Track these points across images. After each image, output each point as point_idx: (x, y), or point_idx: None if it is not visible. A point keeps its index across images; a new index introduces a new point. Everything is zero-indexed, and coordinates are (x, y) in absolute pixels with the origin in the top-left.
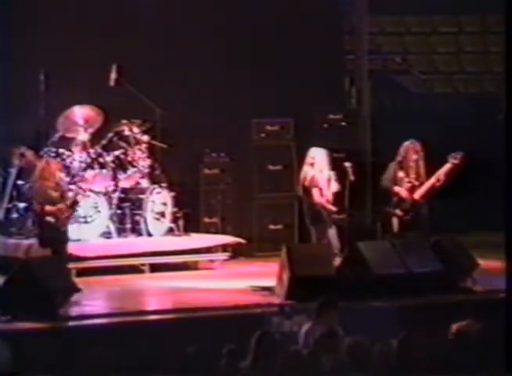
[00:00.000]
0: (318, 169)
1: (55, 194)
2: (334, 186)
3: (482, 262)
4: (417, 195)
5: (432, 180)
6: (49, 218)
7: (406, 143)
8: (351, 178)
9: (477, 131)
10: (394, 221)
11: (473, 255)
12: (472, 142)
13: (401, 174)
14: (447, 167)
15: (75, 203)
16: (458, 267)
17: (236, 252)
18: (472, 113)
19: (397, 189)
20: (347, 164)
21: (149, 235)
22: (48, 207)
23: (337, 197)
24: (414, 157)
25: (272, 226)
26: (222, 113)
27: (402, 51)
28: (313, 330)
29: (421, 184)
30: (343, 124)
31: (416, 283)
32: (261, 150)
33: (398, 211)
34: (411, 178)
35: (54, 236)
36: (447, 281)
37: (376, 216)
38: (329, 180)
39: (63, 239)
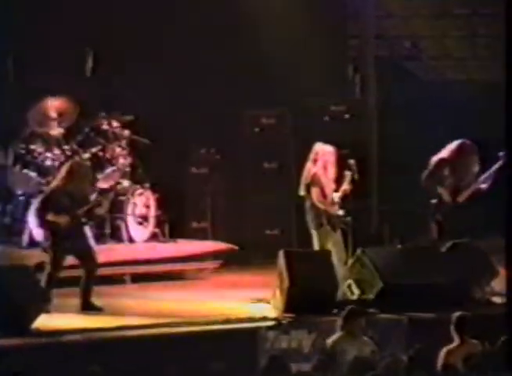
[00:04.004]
0: (321, 166)
1: (67, 202)
2: (342, 186)
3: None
4: (461, 198)
5: (480, 182)
6: (52, 226)
7: (460, 142)
8: (356, 176)
9: (494, 123)
10: (433, 227)
11: (492, 262)
12: (490, 136)
13: (446, 172)
14: (497, 166)
15: (89, 213)
16: (476, 275)
17: (227, 260)
18: (488, 102)
19: (440, 190)
20: (351, 162)
21: (131, 241)
22: (50, 216)
23: (343, 199)
24: (467, 157)
25: (267, 231)
26: (211, 105)
27: (410, 35)
28: (341, 343)
29: (467, 186)
30: (346, 116)
31: (429, 294)
32: (254, 146)
33: (438, 216)
34: (456, 178)
35: (55, 245)
36: (463, 291)
37: (383, 218)
38: (334, 179)
39: (63, 249)
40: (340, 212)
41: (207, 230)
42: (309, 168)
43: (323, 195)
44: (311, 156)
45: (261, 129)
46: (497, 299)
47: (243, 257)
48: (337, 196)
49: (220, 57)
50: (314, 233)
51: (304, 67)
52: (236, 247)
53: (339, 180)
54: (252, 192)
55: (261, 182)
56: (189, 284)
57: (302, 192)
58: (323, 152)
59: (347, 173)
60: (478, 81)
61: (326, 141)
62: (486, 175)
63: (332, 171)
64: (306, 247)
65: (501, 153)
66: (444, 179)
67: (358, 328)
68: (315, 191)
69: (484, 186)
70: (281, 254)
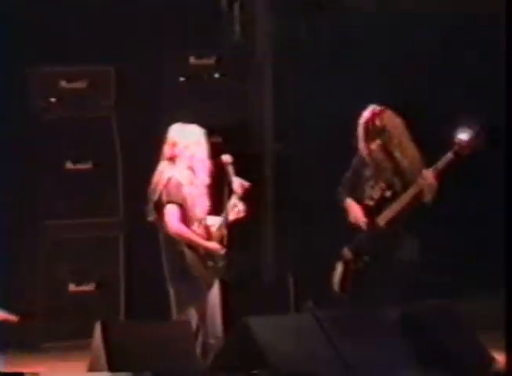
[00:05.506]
0: (185, 167)
1: None
2: (228, 203)
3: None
4: (383, 219)
5: (414, 189)
6: None
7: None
8: (234, 183)
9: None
10: (338, 268)
11: (482, 343)
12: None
13: (366, 171)
14: (445, 161)
15: None
16: (453, 364)
17: (2, 339)
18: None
19: (349, 203)
20: (226, 158)
21: None
22: None
23: (228, 226)
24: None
25: (73, 287)
26: None
27: None
28: None
29: (395, 195)
30: (216, 75)
31: None
32: (49, 132)
33: (346, 252)
34: (376, 185)
35: None
36: None
37: (290, 262)
38: (207, 190)
39: None
40: (221, 250)
41: None
42: (161, 172)
43: (189, 218)
44: (166, 149)
45: (58, 100)
46: None
47: (29, 333)
48: (215, 220)
49: None
50: (172, 290)
51: None
52: (15, 317)
53: (217, 192)
54: (46, 215)
55: (63, 197)
56: None
57: (150, 215)
58: (188, 141)
59: (236, 180)
60: (451, 15)
61: (183, 120)
62: (427, 176)
63: (205, 176)
64: (149, 313)
65: (457, 139)
66: (359, 184)
67: None
68: (172, 212)
69: (425, 196)
70: (97, 327)
